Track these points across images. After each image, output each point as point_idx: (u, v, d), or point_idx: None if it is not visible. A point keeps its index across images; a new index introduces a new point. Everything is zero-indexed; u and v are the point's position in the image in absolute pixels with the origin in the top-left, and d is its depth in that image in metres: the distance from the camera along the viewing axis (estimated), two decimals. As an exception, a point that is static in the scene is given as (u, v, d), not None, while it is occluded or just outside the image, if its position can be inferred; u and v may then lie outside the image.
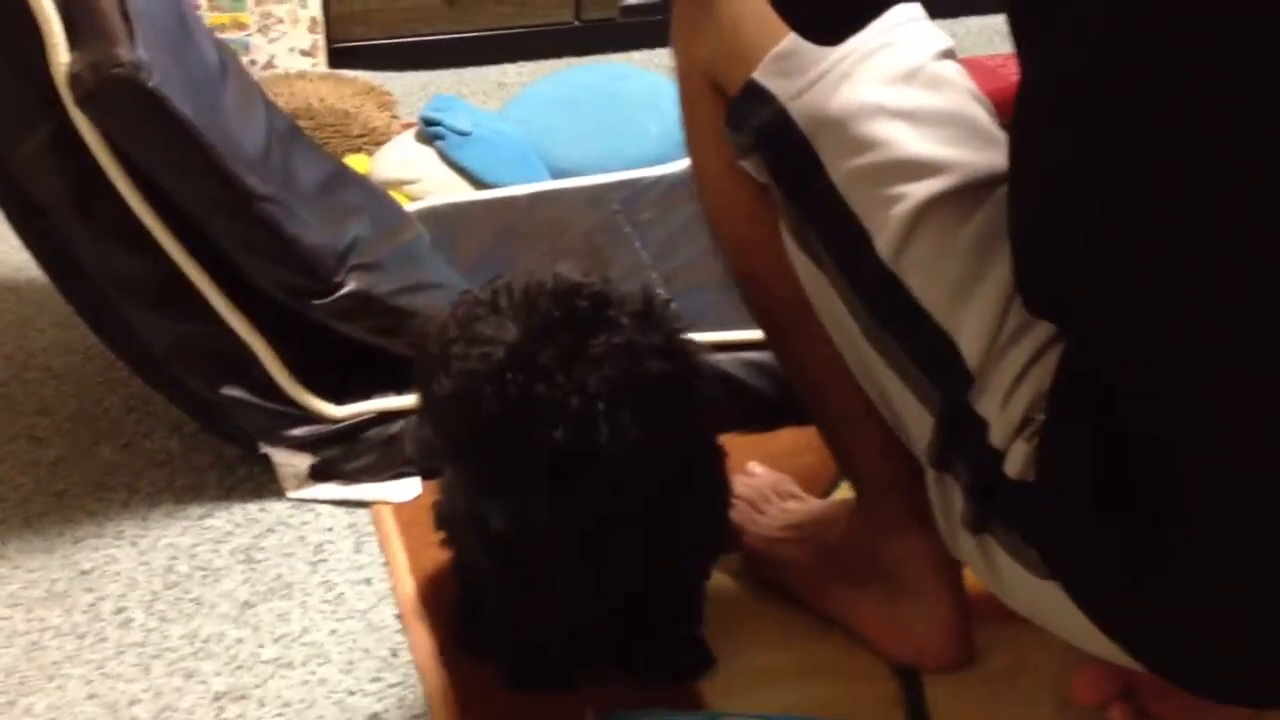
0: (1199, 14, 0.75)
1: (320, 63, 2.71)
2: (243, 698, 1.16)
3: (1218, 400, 0.83)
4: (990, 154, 0.98)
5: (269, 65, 2.67)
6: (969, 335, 0.95)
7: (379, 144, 2.15)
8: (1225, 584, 0.86)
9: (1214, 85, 0.76)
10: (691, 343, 1.04)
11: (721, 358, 1.26)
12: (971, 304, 0.96)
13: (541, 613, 1.11)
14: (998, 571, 0.99)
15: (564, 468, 0.96)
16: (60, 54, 1.26)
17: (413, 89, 2.56)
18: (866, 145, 0.99)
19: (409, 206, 1.83)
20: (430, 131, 2.01)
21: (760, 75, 1.03)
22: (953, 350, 0.96)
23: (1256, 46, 0.74)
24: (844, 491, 1.33)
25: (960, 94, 1.02)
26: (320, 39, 2.71)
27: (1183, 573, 0.87)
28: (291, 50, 2.70)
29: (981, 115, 1.01)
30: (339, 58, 2.71)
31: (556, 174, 2.01)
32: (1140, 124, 0.79)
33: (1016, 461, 0.93)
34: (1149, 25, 0.77)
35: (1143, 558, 0.88)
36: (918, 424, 1.01)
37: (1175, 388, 0.84)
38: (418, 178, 1.98)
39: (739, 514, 1.26)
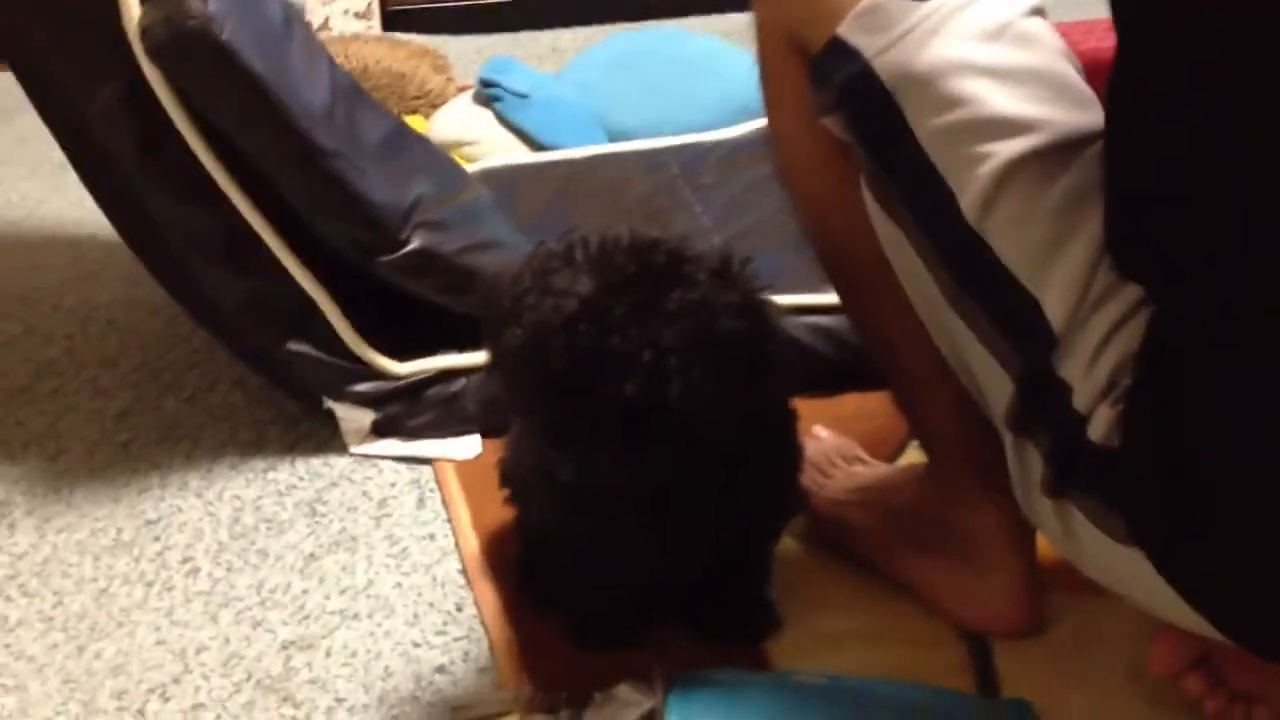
0: (1207, 10, 0.74)
1: (374, 25, 2.71)
2: (309, 647, 1.17)
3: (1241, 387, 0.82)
4: (1079, 113, 0.96)
5: (324, 28, 2.68)
6: (1054, 298, 0.94)
7: (435, 106, 2.15)
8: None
9: (1222, 82, 0.75)
10: (769, 303, 1.03)
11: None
12: (1058, 266, 0.94)
13: (608, 571, 1.11)
14: (1075, 538, 0.97)
15: (634, 422, 0.96)
16: (132, 7, 1.26)
17: (467, 52, 2.56)
18: (953, 102, 0.97)
19: (467, 168, 1.82)
20: (488, 93, 2.01)
21: (845, 31, 1.01)
22: (1037, 313, 0.95)
23: (1264, 43, 0.73)
24: (910, 456, 1.33)
25: (1049, 51, 1.00)
26: (374, 2, 2.71)
27: (1265, 540, 0.86)
28: (346, 13, 2.71)
29: (1071, 73, 1.00)
30: (393, 21, 2.72)
31: (614, 137, 2.00)
32: (1151, 119, 0.79)
33: (1100, 426, 0.92)
34: (1157, 20, 0.76)
35: (1225, 525, 0.87)
36: (997, 388, 1.00)
37: (1251, 358, 0.83)
38: (476, 139, 1.98)
39: (805, 478, 1.25)
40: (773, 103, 1.14)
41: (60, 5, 1.32)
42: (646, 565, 1.09)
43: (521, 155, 1.94)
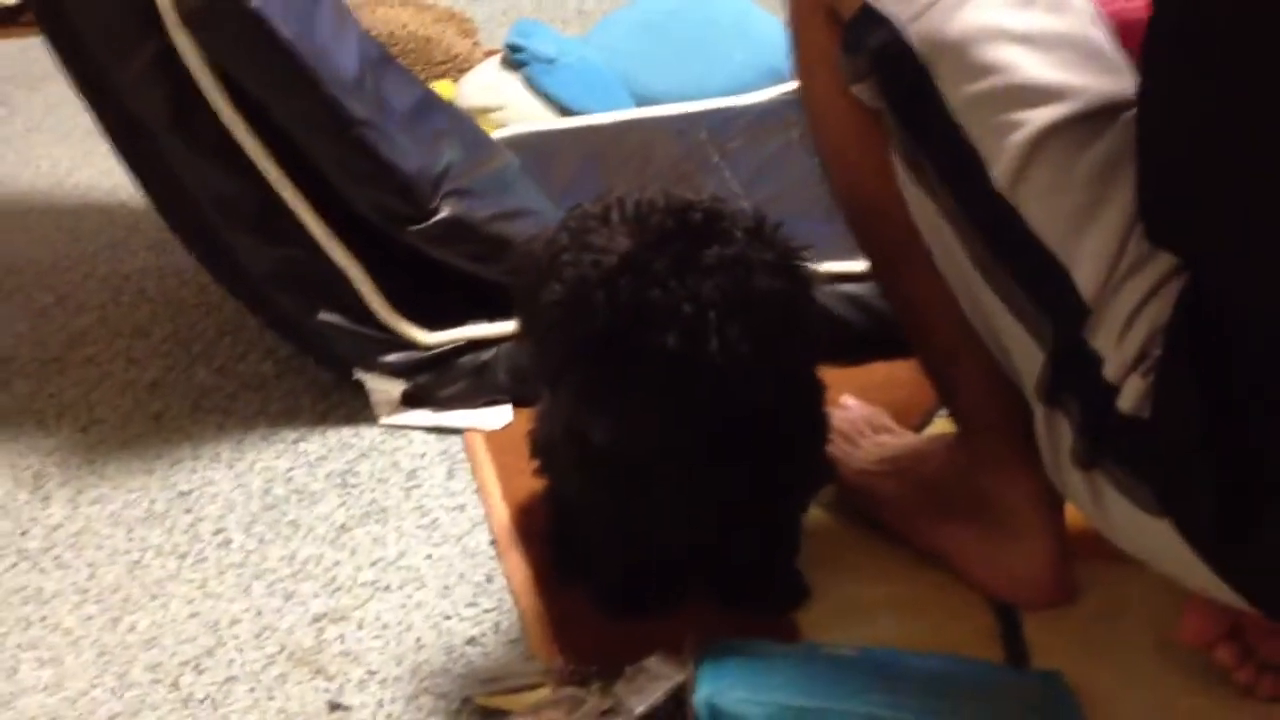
0: None
1: (401, -11, 2.69)
2: (342, 619, 1.18)
3: None
4: (1112, 79, 0.95)
5: (351, -9, 2.66)
6: (1086, 267, 0.93)
7: (462, 71, 2.14)
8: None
9: (1257, 39, 0.74)
10: (804, 264, 1.03)
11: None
12: (1089, 235, 0.93)
13: (639, 538, 1.11)
14: (1105, 509, 0.97)
15: (673, 377, 0.95)
16: (164, -26, 1.26)
17: (493, 15, 2.55)
18: (984, 70, 0.96)
19: (494, 134, 1.82)
20: (516, 58, 2.00)
21: (875, -2, 1.00)
22: (1068, 283, 0.94)
23: None
24: (939, 425, 1.32)
25: (1082, 17, 0.99)
26: (402, -36, 2.69)
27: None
28: (373, -24, 2.68)
29: (1103, 39, 0.98)
30: (420, -17, 2.69)
31: (641, 101, 1.99)
32: (1186, 78, 0.77)
33: (1131, 397, 0.91)
34: None
35: (1255, 496, 0.86)
36: (1027, 358, 0.99)
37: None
38: (503, 104, 1.97)
39: (833, 447, 1.25)
40: (804, 70, 1.13)
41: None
42: (676, 532, 1.09)
43: (549, 121, 1.94)
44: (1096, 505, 0.98)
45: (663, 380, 0.95)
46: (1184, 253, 0.90)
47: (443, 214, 1.38)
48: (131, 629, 1.18)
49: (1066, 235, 0.95)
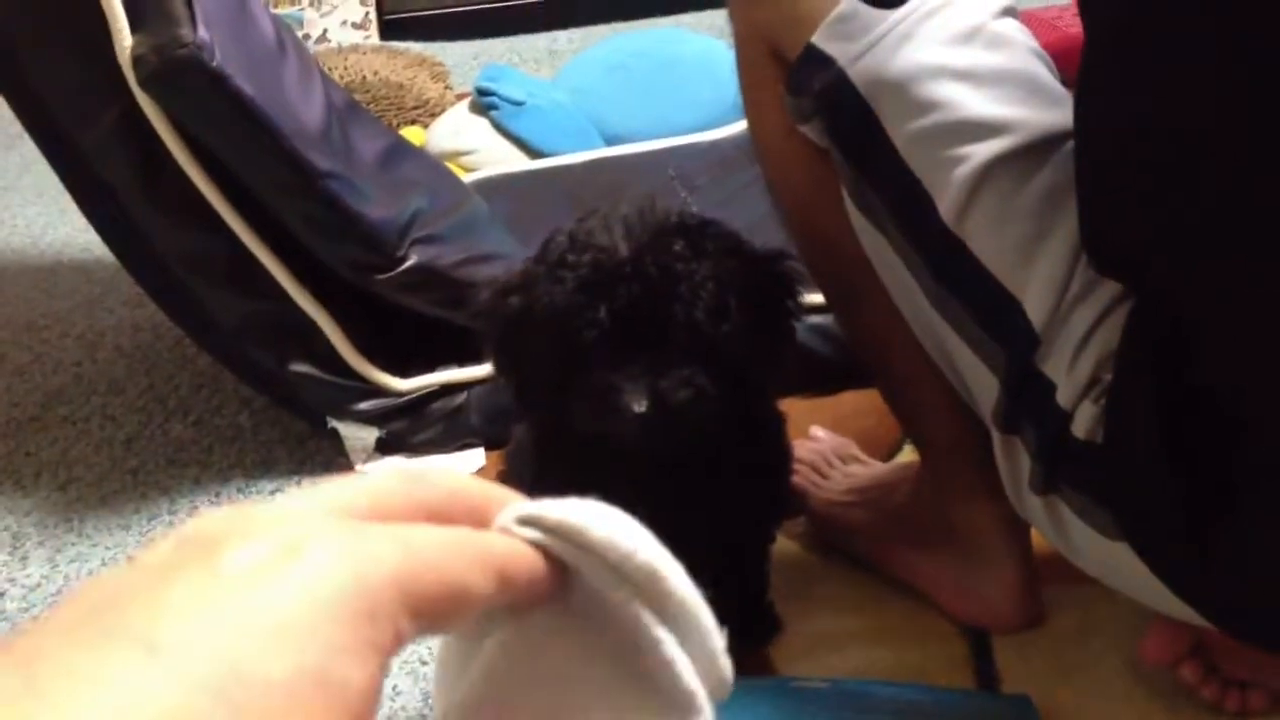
0: None
1: (373, 35, 2.72)
2: (319, 668, 1.18)
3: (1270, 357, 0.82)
4: (1053, 112, 0.97)
5: (322, 39, 2.70)
6: (1034, 296, 0.95)
7: (434, 115, 2.16)
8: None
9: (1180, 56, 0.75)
10: (792, 267, 1.05)
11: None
12: (1036, 265, 0.95)
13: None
14: (1066, 533, 0.98)
15: (698, 353, 0.96)
16: (124, 36, 1.28)
17: (464, 58, 2.57)
18: (927, 107, 0.98)
19: (465, 177, 1.84)
20: (484, 102, 2.02)
21: (819, 39, 1.02)
22: (1018, 312, 0.96)
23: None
24: (907, 454, 1.33)
25: (1021, 52, 1.01)
26: (372, 11, 2.72)
27: (1249, 530, 0.86)
28: (344, 24, 2.72)
29: (1043, 73, 1.00)
30: (391, 29, 2.73)
31: (610, 141, 2.01)
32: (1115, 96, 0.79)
33: (1084, 422, 0.93)
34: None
35: (1210, 516, 0.87)
36: (983, 387, 1.01)
37: (1232, 343, 0.84)
38: (473, 148, 1.99)
39: (802, 478, 1.27)
40: (754, 110, 1.15)
41: (53, 35, 1.33)
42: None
43: (518, 163, 1.96)
44: (1057, 529, 0.99)
45: (691, 353, 0.96)
46: (1127, 279, 0.91)
47: (410, 262, 1.40)
48: (111, 686, 1.19)
49: (1015, 266, 0.96)
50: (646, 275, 0.95)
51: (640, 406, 0.95)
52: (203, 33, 1.27)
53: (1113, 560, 0.95)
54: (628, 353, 0.96)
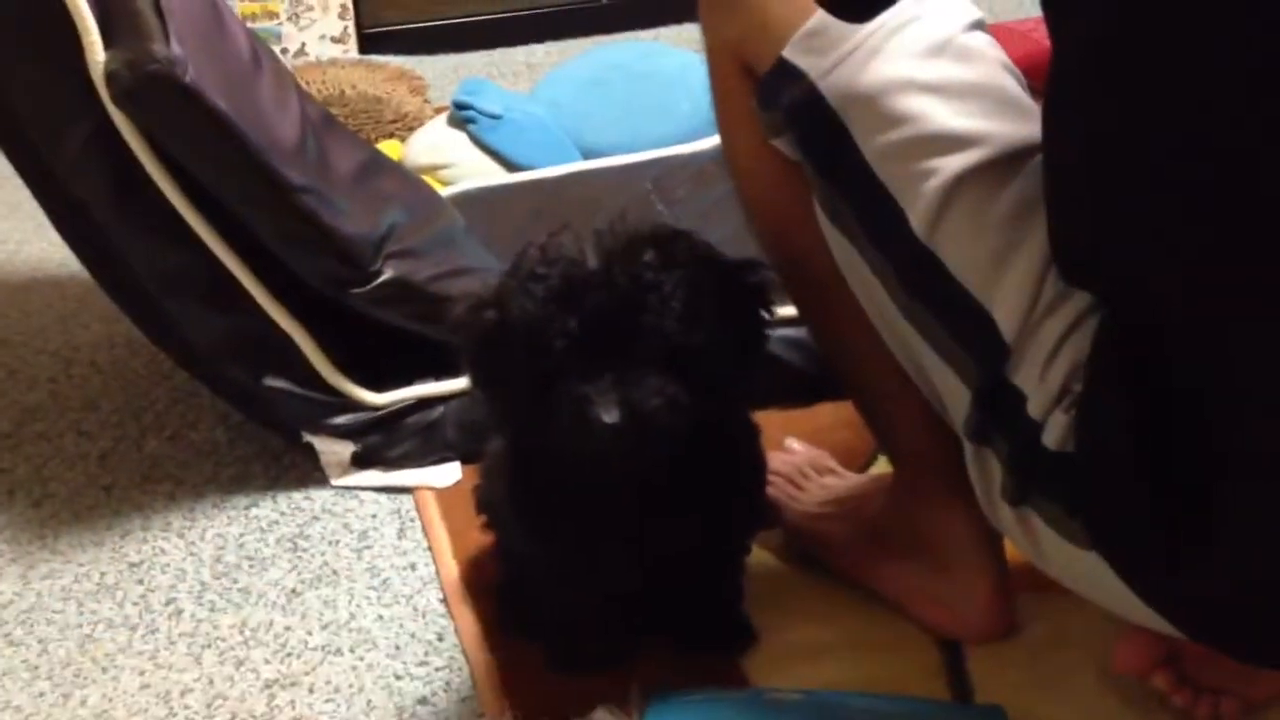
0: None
1: (351, 49, 2.72)
2: (293, 684, 1.18)
3: (1248, 370, 0.83)
4: (1022, 125, 0.98)
5: (300, 53, 2.69)
6: (1005, 308, 0.95)
7: (412, 129, 2.16)
8: (1265, 549, 0.86)
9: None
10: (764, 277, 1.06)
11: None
12: (1006, 277, 0.95)
13: (581, 589, 1.12)
14: (1038, 543, 0.99)
15: (669, 363, 0.97)
16: (96, 52, 1.27)
17: (443, 72, 2.57)
18: (897, 120, 0.99)
19: (443, 191, 1.83)
20: (462, 115, 2.02)
21: (790, 53, 1.03)
22: (989, 323, 0.96)
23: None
24: (882, 466, 1.34)
25: (990, 65, 1.01)
26: (350, 25, 2.72)
27: (1222, 539, 0.86)
28: (322, 37, 2.72)
29: (1012, 86, 1.01)
30: (370, 43, 2.73)
31: (588, 154, 2.01)
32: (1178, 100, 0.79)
33: (1055, 433, 0.93)
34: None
35: (1182, 526, 0.88)
36: (955, 398, 1.01)
37: (1200, 352, 0.84)
38: (450, 162, 1.99)
39: (777, 490, 1.27)
40: (725, 124, 1.15)
41: (24, 52, 1.33)
42: (619, 576, 1.10)
43: (496, 177, 1.95)
44: (1029, 539, 1.00)
45: (663, 363, 0.96)
46: (1097, 289, 0.92)
47: (385, 276, 1.39)
48: (83, 703, 1.18)
49: (985, 278, 0.97)
50: (615, 285, 0.95)
51: (611, 417, 0.95)
52: (176, 48, 1.27)
53: (1085, 569, 0.96)
54: (599, 363, 0.96)
